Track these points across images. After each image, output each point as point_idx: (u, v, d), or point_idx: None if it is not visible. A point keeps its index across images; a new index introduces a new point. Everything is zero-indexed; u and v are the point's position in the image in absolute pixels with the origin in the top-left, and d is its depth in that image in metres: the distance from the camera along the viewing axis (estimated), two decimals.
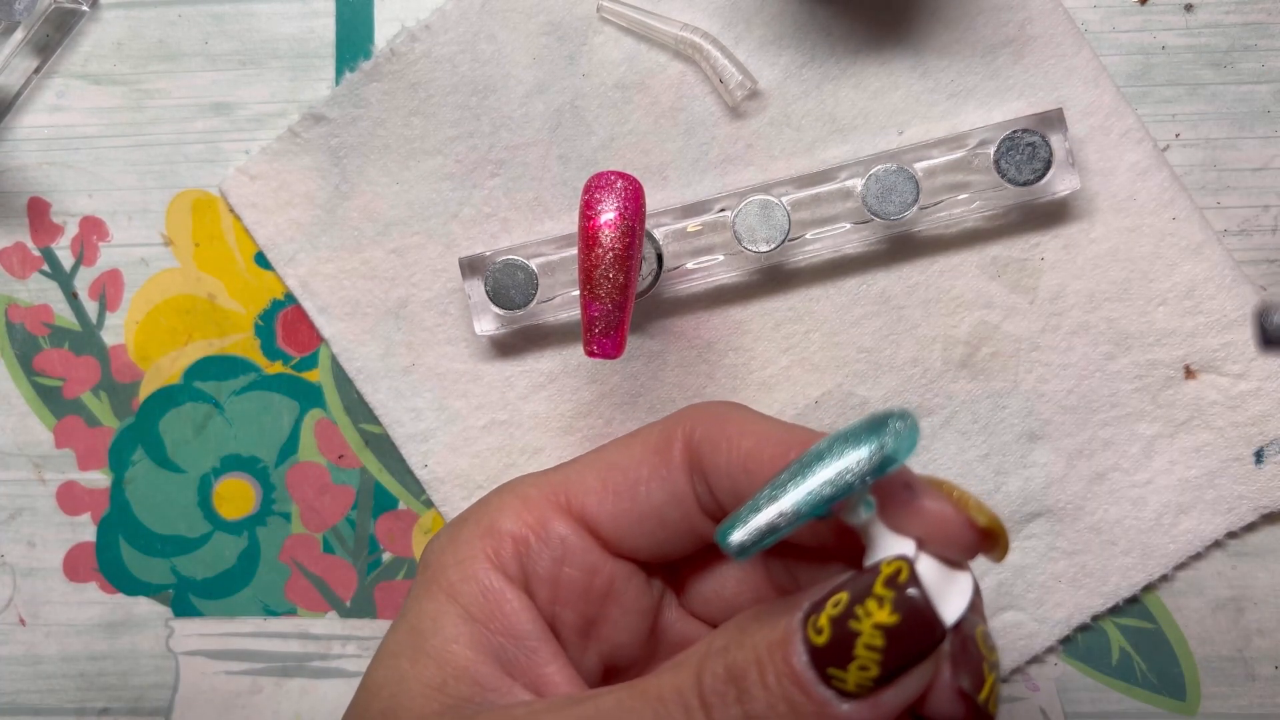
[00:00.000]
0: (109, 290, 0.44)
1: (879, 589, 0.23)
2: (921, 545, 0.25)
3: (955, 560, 0.25)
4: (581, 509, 0.30)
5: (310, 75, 0.43)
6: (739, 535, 0.24)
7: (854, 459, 0.24)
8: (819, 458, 0.24)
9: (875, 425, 0.24)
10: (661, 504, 0.29)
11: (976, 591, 0.26)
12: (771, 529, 0.24)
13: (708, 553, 0.31)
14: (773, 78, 0.41)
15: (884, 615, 0.23)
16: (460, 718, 0.27)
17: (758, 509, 0.24)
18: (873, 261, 0.41)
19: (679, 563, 0.32)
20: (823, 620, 0.23)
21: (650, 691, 0.25)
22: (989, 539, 0.25)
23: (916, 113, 0.41)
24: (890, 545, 0.25)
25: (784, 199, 0.40)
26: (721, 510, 0.29)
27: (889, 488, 0.25)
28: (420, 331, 0.42)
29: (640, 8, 0.41)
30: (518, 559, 0.29)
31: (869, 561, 0.25)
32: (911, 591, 0.23)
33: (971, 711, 0.24)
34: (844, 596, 0.24)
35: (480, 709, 0.27)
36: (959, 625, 0.25)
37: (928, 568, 0.25)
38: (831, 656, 0.23)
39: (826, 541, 0.28)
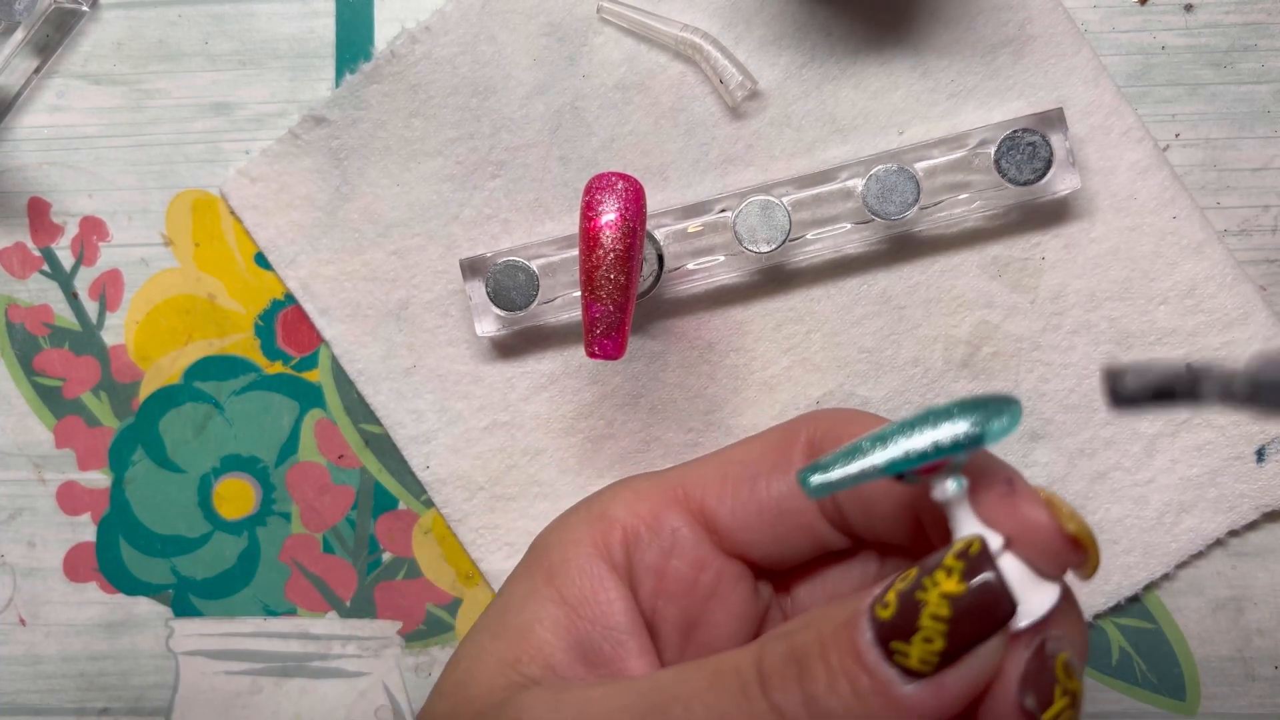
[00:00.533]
0: (109, 290, 0.44)
1: (950, 561, 0.23)
2: (1009, 545, 0.24)
3: (1047, 573, 0.24)
4: (701, 502, 0.29)
5: (310, 76, 0.43)
6: (819, 477, 0.24)
7: (946, 430, 0.23)
8: (912, 423, 0.24)
9: (976, 404, 0.24)
10: (781, 496, 0.28)
11: (1075, 622, 0.25)
12: (853, 477, 0.24)
13: (820, 563, 0.30)
14: (773, 78, 0.41)
15: (952, 585, 0.22)
16: (518, 692, 0.26)
17: (846, 457, 0.24)
18: (873, 261, 0.41)
19: (791, 579, 0.31)
20: (890, 595, 0.23)
21: (709, 665, 0.25)
22: (1077, 550, 0.24)
23: (917, 113, 0.41)
24: (975, 531, 0.24)
25: (784, 199, 0.40)
26: (838, 511, 0.28)
27: (986, 477, 0.25)
28: (421, 333, 0.42)
29: (640, 8, 0.41)
30: (624, 547, 0.29)
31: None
32: (982, 564, 0.23)
33: None
34: (914, 571, 0.23)
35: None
36: (1041, 645, 0.24)
37: (1010, 565, 0.24)
38: (896, 629, 0.22)
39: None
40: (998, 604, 0.22)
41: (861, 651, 0.23)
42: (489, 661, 0.27)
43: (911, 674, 0.22)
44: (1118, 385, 0.22)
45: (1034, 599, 0.24)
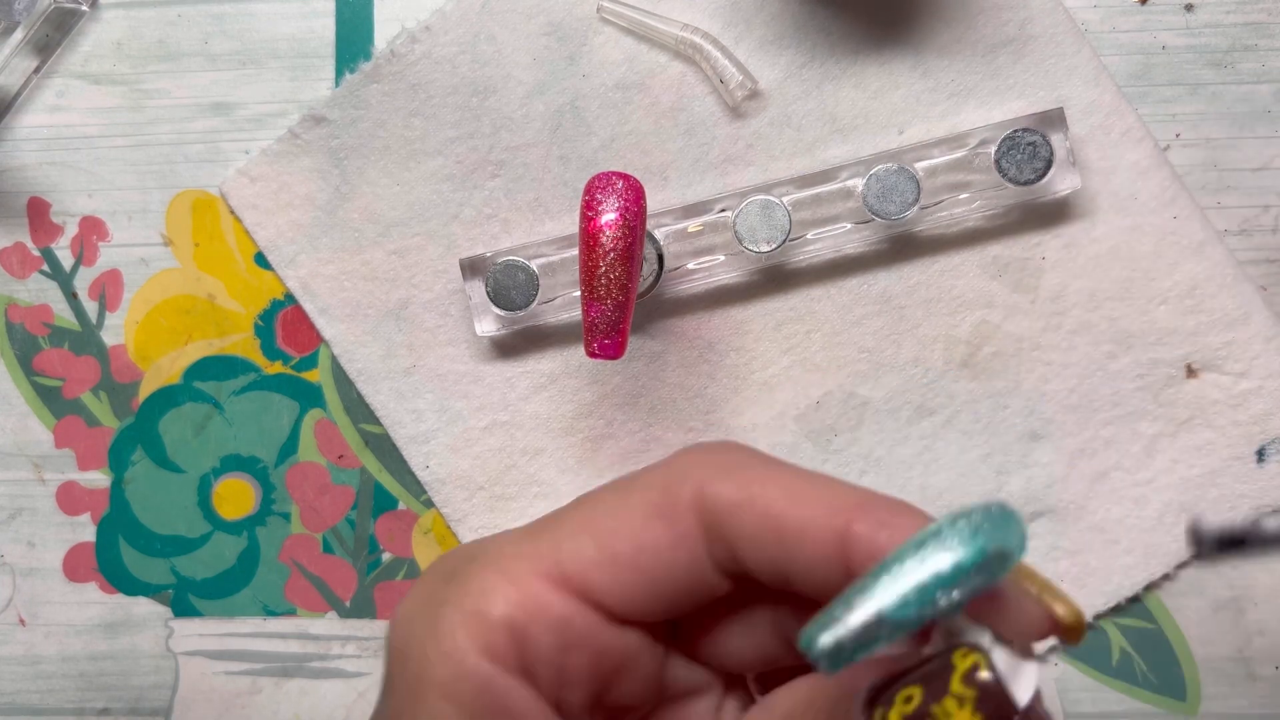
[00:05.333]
0: (109, 290, 0.44)
1: (957, 688, 0.22)
2: (997, 637, 0.23)
3: (1026, 649, 0.23)
4: (583, 582, 0.26)
5: (310, 75, 0.43)
6: (828, 643, 0.21)
7: (964, 578, 0.21)
8: (930, 576, 0.21)
9: (975, 529, 0.22)
10: (673, 571, 0.26)
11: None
12: (868, 639, 0.21)
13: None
14: (773, 78, 0.41)
15: (965, 717, 0.21)
16: None
17: (850, 610, 0.21)
18: (874, 261, 0.41)
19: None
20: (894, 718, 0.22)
21: None
22: (1070, 634, 0.23)
23: (917, 112, 0.41)
24: (961, 630, 0.23)
25: (785, 199, 0.40)
26: (741, 566, 0.26)
27: None
28: (421, 333, 0.42)
29: (640, 8, 0.41)
30: (514, 646, 0.26)
31: (935, 644, 0.23)
32: (993, 688, 0.22)
33: None
34: (916, 693, 0.22)
35: None
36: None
37: (1000, 659, 0.22)
38: None
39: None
40: None
41: None
42: None
43: None
44: (1201, 534, 0.22)
45: (1022, 683, 0.22)
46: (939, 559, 0.21)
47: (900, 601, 0.21)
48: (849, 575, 0.24)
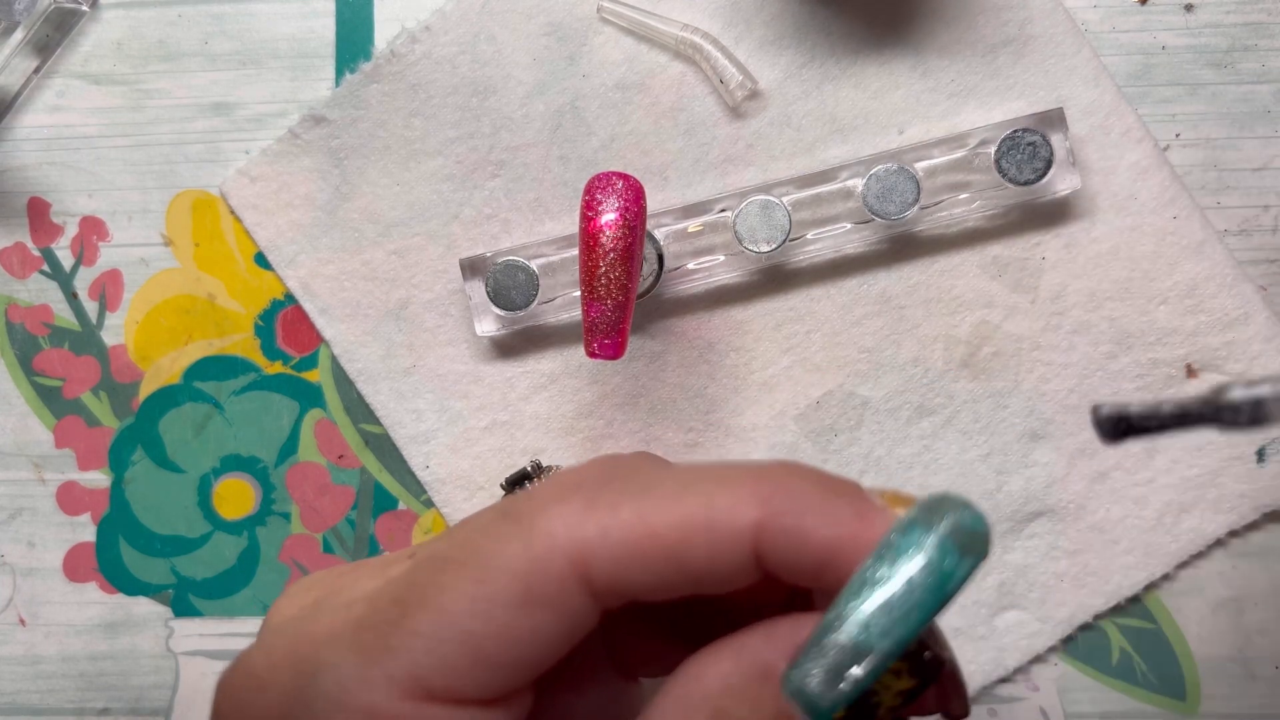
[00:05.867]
0: (109, 290, 0.44)
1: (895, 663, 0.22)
2: None
3: None
4: (448, 691, 0.23)
5: (310, 75, 0.43)
6: (823, 690, 0.21)
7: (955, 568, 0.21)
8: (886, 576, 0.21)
9: (924, 524, 0.22)
10: (555, 642, 0.23)
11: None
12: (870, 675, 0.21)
13: None
14: (773, 78, 0.41)
15: (905, 683, 0.22)
16: None
17: (838, 646, 0.22)
18: (874, 261, 0.41)
19: None
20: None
21: None
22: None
23: (917, 112, 0.41)
24: None
25: (785, 199, 0.40)
26: (636, 599, 0.24)
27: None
28: (421, 333, 0.42)
29: (640, 8, 0.41)
30: None
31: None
32: (926, 655, 0.22)
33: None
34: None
35: None
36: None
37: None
38: None
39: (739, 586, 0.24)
40: (938, 670, 0.22)
41: None
42: None
43: None
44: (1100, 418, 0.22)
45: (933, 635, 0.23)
46: (913, 569, 0.21)
47: (892, 627, 0.21)
48: (764, 568, 0.23)
